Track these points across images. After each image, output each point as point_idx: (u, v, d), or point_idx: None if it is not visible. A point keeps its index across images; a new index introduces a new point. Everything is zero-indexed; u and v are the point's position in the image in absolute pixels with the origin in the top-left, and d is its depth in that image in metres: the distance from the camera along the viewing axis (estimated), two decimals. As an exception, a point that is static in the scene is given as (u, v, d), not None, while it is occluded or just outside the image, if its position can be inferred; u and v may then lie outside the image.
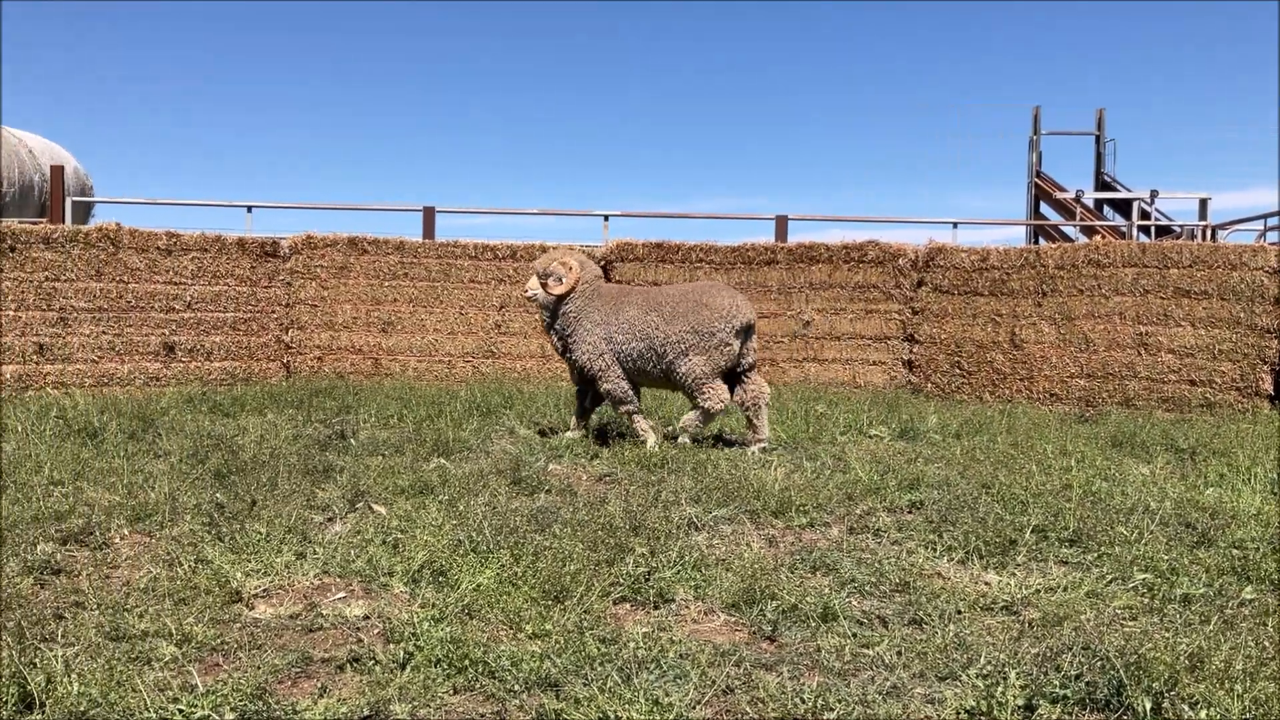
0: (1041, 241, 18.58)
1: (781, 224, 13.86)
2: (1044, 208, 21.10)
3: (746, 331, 7.67)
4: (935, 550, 4.94)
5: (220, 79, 45.27)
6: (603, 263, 12.46)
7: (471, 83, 46.14)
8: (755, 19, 44.77)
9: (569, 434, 7.97)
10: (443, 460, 6.94)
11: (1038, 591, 4.28)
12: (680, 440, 7.60)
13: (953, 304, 11.70)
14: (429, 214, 13.67)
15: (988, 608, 4.12)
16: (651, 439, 7.66)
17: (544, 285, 7.81)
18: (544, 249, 12.40)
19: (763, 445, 7.71)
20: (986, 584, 4.44)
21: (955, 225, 14.64)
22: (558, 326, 7.86)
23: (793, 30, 44.81)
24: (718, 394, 7.51)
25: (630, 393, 7.78)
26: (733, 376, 7.77)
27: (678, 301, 7.60)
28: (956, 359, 11.59)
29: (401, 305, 12.33)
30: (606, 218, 14.32)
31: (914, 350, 12.01)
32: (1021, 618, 3.98)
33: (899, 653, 3.58)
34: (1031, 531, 5.09)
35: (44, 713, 2.95)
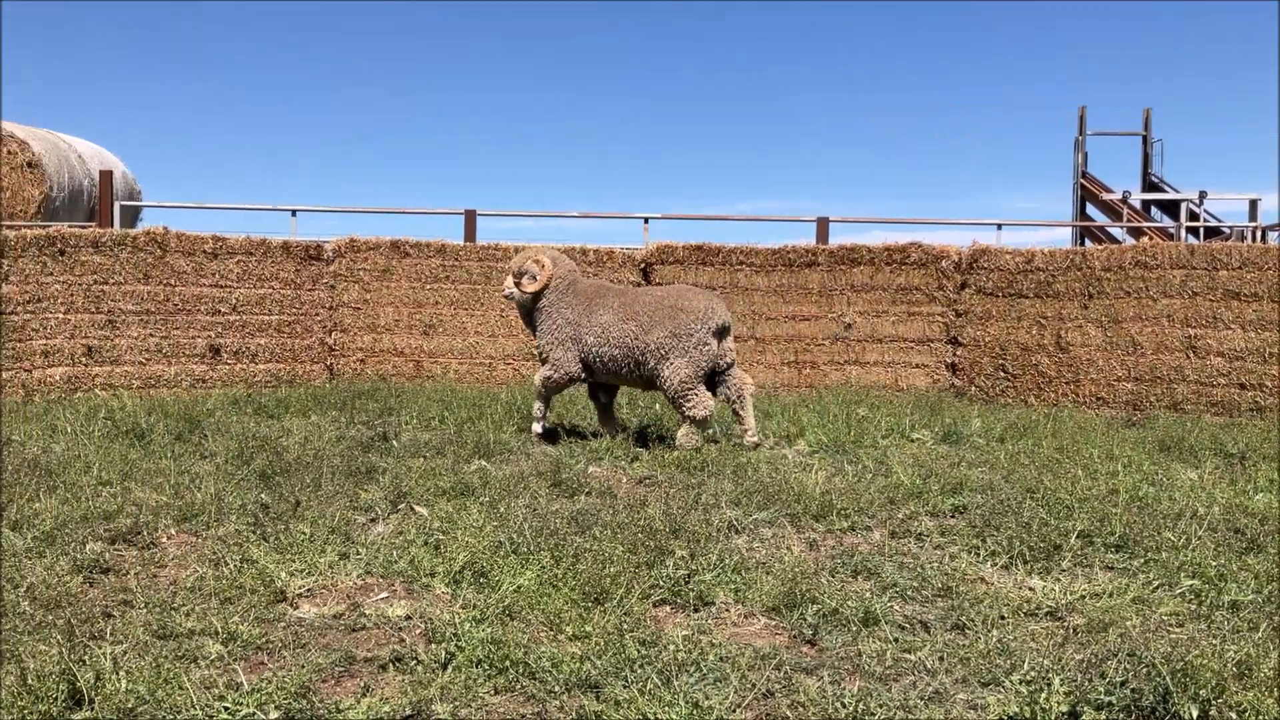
0: (1088, 243, 18.37)
1: (823, 226, 13.79)
2: (1090, 209, 20.85)
3: (722, 332, 7.79)
4: (979, 555, 4.90)
5: (265, 84, 45.82)
6: (643, 265, 12.48)
7: (513, 86, 46.38)
8: (797, 19, 44.62)
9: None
10: (484, 462, 6.98)
11: (1083, 597, 4.23)
12: (679, 449, 7.45)
13: (997, 306, 11.58)
14: (470, 217, 13.75)
15: (1032, 613, 4.08)
16: (537, 428, 8.02)
17: (518, 284, 8.02)
18: (583, 251, 12.45)
19: (751, 435, 7.84)
20: (1030, 589, 4.39)
21: (999, 227, 14.51)
22: (534, 321, 8.10)
23: (833, 30, 44.61)
24: (702, 401, 7.59)
25: (560, 386, 8.04)
26: (713, 376, 7.87)
27: (654, 309, 7.69)
28: (1001, 362, 11.48)
29: (443, 308, 12.40)
30: (647, 220, 14.33)
31: (957, 353, 11.91)
32: (1066, 624, 3.93)
33: (941, 658, 3.55)
34: (1077, 537, 5.03)
35: (93, 710, 3.00)
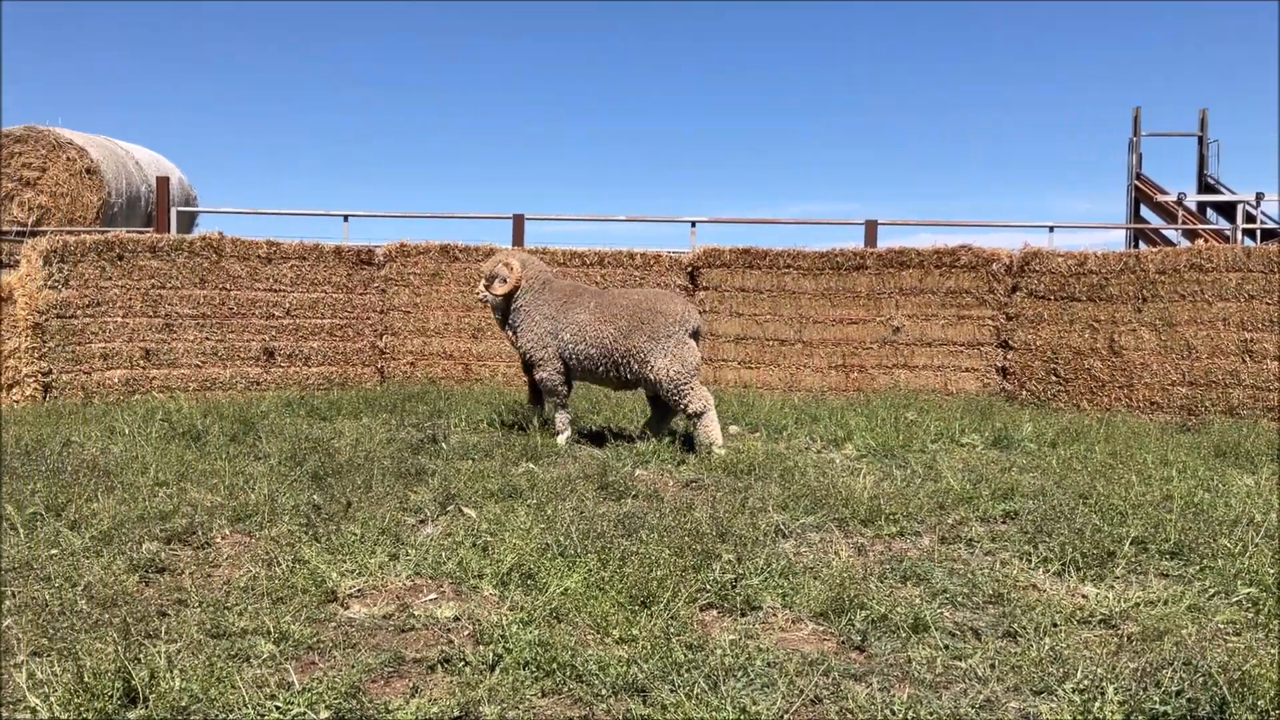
0: (1141, 246, 18.08)
1: (871, 229, 13.70)
2: (1144, 211, 20.53)
3: (695, 336, 7.97)
4: (1030, 561, 4.84)
5: (319, 91, 46.42)
6: (689, 269, 12.48)
7: (561, 90, 46.58)
8: (843, 21, 44.39)
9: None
10: (531, 465, 7.01)
11: (1137, 605, 4.17)
12: (715, 452, 7.40)
13: (1049, 310, 11.43)
14: (518, 221, 13.83)
15: (1085, 621, 4.02)
16: (565, 435, 8.09)
17: (489, 287, 8.26)
18: (630, 255, 12.47)
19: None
20: (1084, 596, 4.33)
21: (1051, 229, 14.31)
22: (511, 322, 8.26)
23: (884, 32, 44.33)
24: (699, 394, 7.74)
25: (561, 386, 8.15)
26: None
27: (632, 314, 7.84)
28: (1053, 366, 11.33)
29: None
30: (694, 224, 14.33)
31: (1008, 357, 11.77)
32: (1120, 631, 3.88)
33: (992, 665, 3.51)
34: (1131, 543, 4.95)
35: (147, 707, 3.05)
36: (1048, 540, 5.04)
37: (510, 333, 8.34)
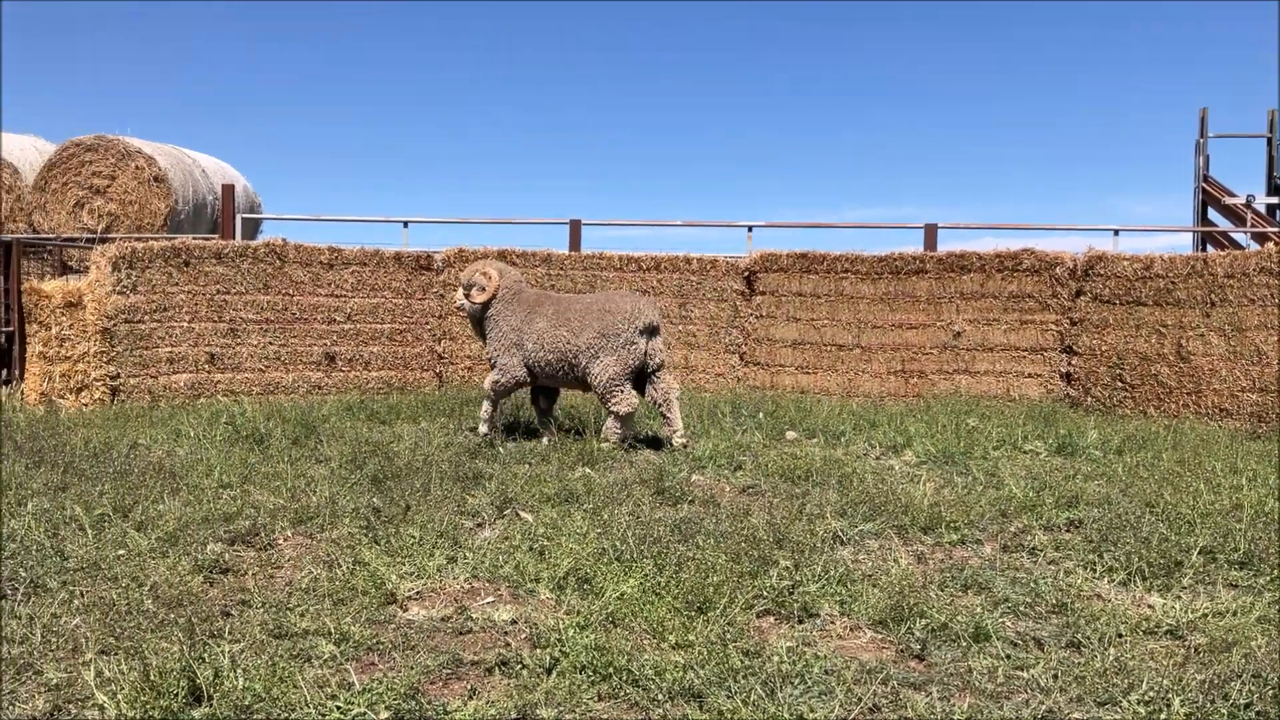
0: (1209, 249, 17.68)
1: (930, 233, 13.56)
2: (1212, 214, 20.08)
3: (651, 332, 8.14)
4: (1095, 571, 4.76)
5: (378, 100, 47.02)
6: (746, 274, 12.45)
7: (618, 96, 46.70)
8: (903, 22, 43.97)
9: (544, 440, 8.31)
10: (587, 469, 7.03)
11: (1205, 616, 4.07)
12: (605, 446, 7.85)
13: (1114, 314, 11.22)
14: (575, 227, 13.89)
15: (1151, 631, 3.94)
16: (483, 429, 8.37)
17: (468, 295, 8.49)
18: (686, 260, 12.47)
19: (679, 436, 8.14)
20: (1150, 607, 4.24)
21: (1116, 232, 14.06)
22: (485, 330, 8.52)
23: (941, 32, 43.82)
24: (626, 398, 7.98)
25: (507, 389, 8.43)
26: (643, 378, 8.24)
27: (584, 313, 8.12)
28: (1118, 371, 11.12)
29: (549, 316, 12.53)
30: (750, 229, 14.29)
31: (1072, 362, 11.57)
32: (1187, 642, 3.79)
33: (1055, 676, 3.45)
34: (1199, 553, 4.84)
35: (211, 706, 3.10)
36: (1113, 549, 4.95)
37: (484, 342, 8.66)
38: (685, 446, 7.98)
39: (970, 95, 44.52)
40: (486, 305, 8.39)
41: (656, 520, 5.39)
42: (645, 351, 8.07)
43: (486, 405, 8.46)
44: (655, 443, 8.19)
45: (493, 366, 8.44)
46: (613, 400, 7.97)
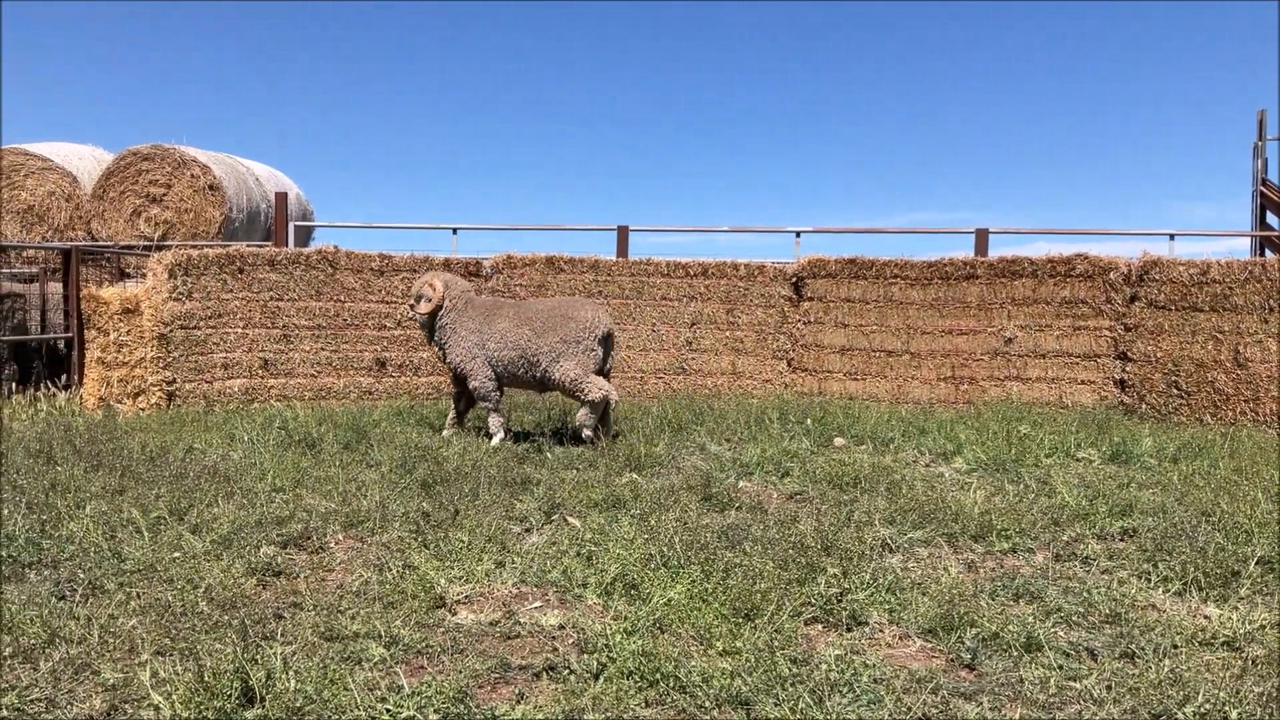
0: (1268, 254, 17.33)
1: (982, 238, 13.42)
2: (1270, 217, 19.69)
3: (607, 340, 8.58)
4: (1149, 580, 4.68)
5: (426, 108, 47.45)
6: (794, 279, 12.40)
7: (664, 101, 46.71)
8: (954, 24, 43.56)
9: (445, 432, 8.82)
10: (634, 475, 7.04)
11: (1262, 627, 3.99)
12: (585, 435, 8.30)
13: (1170, 320, 11.03)
14: (623, 233, 13.92)
15: (1207, 643, 3.87)
16: (498, 437, 8.56)
17: (414, 306, 8.88)
18: (734, 266, 12.44)
19: (604, 438, 8.39)
20: (1206, 617, 4.17)
21: (1172, 237, 13.83)
22: (437, 338, 8.85)
23: (990, 34, 43.35)
24: (596, 385, 8.35)
25: (494, 393, 8.71)
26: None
27: (546, 317, 8.49)
28: (1174, 378, 10.93)
29: (597, 322, 12.56)
30: (798, 234, 14.23)
31: (1127, 369, 11.39)
32: (1244, 654, 3.72)
33: (1109, 687, 3.40)
34: (1256, 563, 4.74)
35: (264, 707, 3.14)
36: (1168, 559, 4.87)
37: (436, 349, 8.94)
38: (592, 444, 8.25)
39: (1023, 97, 44.03)
40: (433, 315, 8.77)
41: (703, 526, 5.39)
42: (603, 357, 8.54)
43: (494, 419, 8.72)
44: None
45: (465, 376, 8.73)
46: (583, 391, 8.34)
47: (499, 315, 8.63)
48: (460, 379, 8.86)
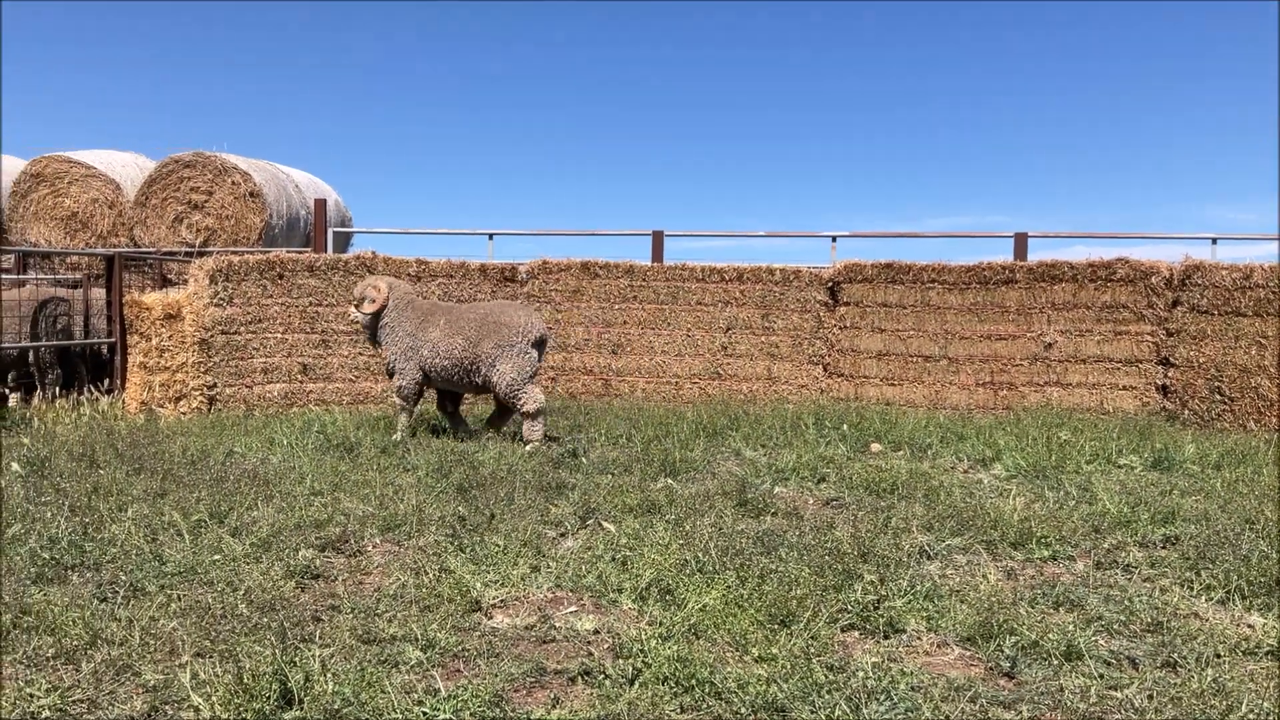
0: (1316, 257, 17.05)
1: (1020, 242, 13.31)
2: (1318, 220, 19.36)
3: (540, 344, 8.85)
4: (1192, 589, 4.61)
5: (461, 115, 47.73)
6: (830, 284, 12.34)
7: (700, 105, 46.68)
8: (989, 25, 43.21)
9: (399, 429, 8.95)
10: (670, 480, 7.03)
11: (1311, 638, 3.92)
12: (529, 449, 8.17)
13: (1212, 325, 10.88)
14: (658, 238, 13.92)
15: (1250, 652, 3.81)
16: (399, 435, 8.75)
17: (358, 307, 9.08)
18: (769, 270, 12.40)
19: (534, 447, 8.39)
20: (1249, 627, 4.10)
21: (1214, 241, 13.65)
22: (380, 338, 9.08)
23: (1029, 36, 42.96)
24: (533, 395, 8.59)
25: (414, 395, 9.00)
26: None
27: (479, 325, 8.73)
28: (1217, 384, 10.77)
29: (631, 327, 12.58)
30: (834, 239, 14.18)
31: (1169, 375, 11.24)
32: (1292, 666, 3.65)
33: (1150, 696, 3.35)
34: (1304, 573, 4.66)
35: (302, 709, 3.17)
36: (1211, 567, 4.79)
37: (380, 349, 9.19)
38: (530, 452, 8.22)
39: (1062, 99, 43.59)
40: (378, 316, 8.99)
41: (739, 532, 5.37)
42: (536, 360, 8.79)
43: (402, 417, 9.01)
44: (738, 456, 8.14)
45: (392, 374, 9.00)
46: (521, 401, 8.57)
47: (431, 324, 8.89)
48: (430, 381, 9.06)
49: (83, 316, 12.17)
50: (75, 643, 3.69)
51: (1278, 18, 33.45)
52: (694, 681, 3.40)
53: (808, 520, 5.84)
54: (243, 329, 11.23)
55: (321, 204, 15.45)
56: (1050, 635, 3.90)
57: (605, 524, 5.68)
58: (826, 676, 3.46)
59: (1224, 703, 3.25)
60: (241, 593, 4.29)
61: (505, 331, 8.64)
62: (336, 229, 16.60)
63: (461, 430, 9.20)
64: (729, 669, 3.53)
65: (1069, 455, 8.14)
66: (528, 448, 8.23)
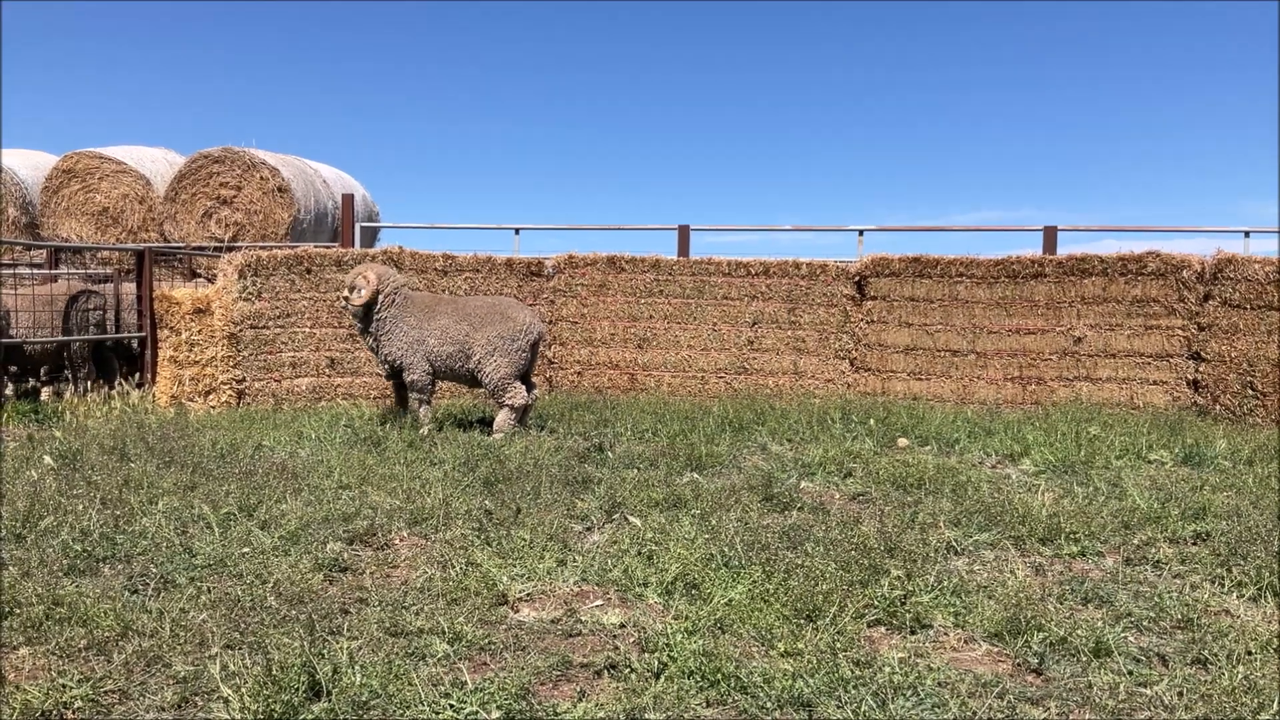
0: (1351, 250, 16.82)
1: (1050, 235, 13.20)
2: (1354, 213, 19.09)
3: (535, 346, 9.12)
4: (1223, 585, 4.57)
5: (489, 110, 47.86)
6: (857, 278, 12.28)
7: (725, 99, 46.57)
8: (1019, 20, 42.88)
9: (424, 423, 9.00)
10: (695, 474, 7.03)
11: (1345, 636, 3.87)
12: (497, 437, 8.42)
13: (1245, 319, 10.75)
14: (684, 232, 13.90)
15: (1284, 650, 3.76)
16: (425, 429, 8.76)
17: (347, 298, 9.08)
18: (795, 265, 12.36)
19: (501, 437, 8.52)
20: (1284, 625, 4.05)
21: (1247, 234, 13.48)
22: (371, 330, 9.12)
23: (1059, 29, 42.58)
24: (519, 391, 8.85)
25: (428, 386, 9.12)
26: (522, 380, 9.06)
27: (485, 313, 8.99)
28: (1249, 379, 10.65)
29: (657, 322, 12.57)
30: (861, 233, 14.12)
31: (1200, 369, 11.12)
32: (1325, 664, 3.61)
33: (1180, 693, 3.33)
34: (1338, 570, 4.60)
35: (330, 701, 3.19)
36: (1242, 563, 4.75)
37: (369, 340, 9.21)
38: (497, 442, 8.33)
39: (1092, 92, 43.19)
40: (369, 307, 9.01)
41: (765, 527, 5.37)
42: (529, 360, 9.05)
43: (422, 411, 9.10)
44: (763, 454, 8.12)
45: (402, 369, 9.06)
46: (506, 395, 8.82)
47: (439, 312, 9.06)
48: (396, 372, 9.18)
49: (114, 311, 12.29)
50: (106, 634, 3.73)
51: (1277, 17, 33.01)
52: (720, 676, 3.40)
53: (834, 515, 5.83)
54: (271, 323, 11.30)
55: (349, 199, 15.52)
56: (1079, 631, 3.88)
57: (631, 518, 5.69)
58: (853, 672, 3.45)
59: (1255, 700, 3.21)
60: (270, 585, 4.32)
61: (509, 325, 8.89)
62: (364, 224, 16.69)
63: (406, 420, 9.30)
64: (755, 664, 3.53)
65: (1098, 450, 8.08)
66: (496, 436, 8.48)
